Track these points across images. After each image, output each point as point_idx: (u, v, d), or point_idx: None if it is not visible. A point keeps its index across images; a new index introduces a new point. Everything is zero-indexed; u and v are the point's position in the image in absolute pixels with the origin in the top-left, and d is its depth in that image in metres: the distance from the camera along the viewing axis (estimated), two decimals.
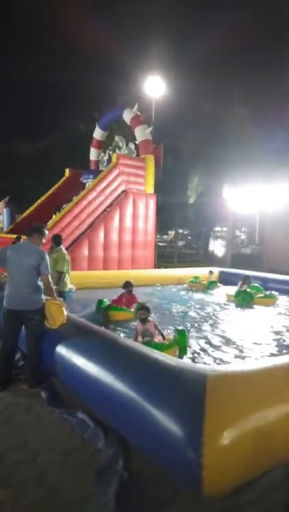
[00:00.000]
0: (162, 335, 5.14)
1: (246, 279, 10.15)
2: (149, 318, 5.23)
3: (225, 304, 9.35)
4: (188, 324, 6.97)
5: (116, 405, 2.81)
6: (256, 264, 17.47)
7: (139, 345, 3.33)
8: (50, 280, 4.00)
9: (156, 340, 4.92)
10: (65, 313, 4.07)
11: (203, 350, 5.43)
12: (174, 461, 2.30)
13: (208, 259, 26.11)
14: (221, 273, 14.07)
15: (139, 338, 5.07)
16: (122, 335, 5.38)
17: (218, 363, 4.82)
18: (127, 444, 2.70)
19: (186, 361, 3.05)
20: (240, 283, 10.12)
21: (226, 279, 13.59)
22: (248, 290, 9.81)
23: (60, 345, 3.70)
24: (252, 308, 8.96)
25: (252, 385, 2.60)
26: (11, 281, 3.90)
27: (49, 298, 4.04)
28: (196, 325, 6.97)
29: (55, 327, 3.95)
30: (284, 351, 5.48)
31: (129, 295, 7.58)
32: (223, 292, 11.05)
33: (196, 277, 12.18)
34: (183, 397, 2.44)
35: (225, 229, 28.50)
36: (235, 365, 3.04)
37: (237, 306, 9.07)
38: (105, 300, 7.42)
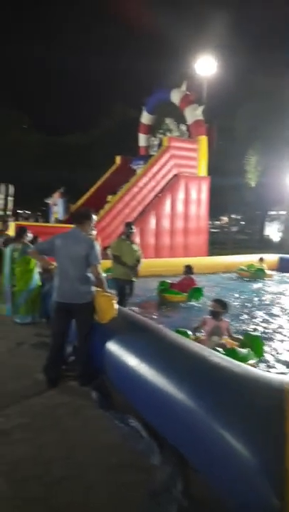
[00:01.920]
0: (234, 340, 4.51)
1: None
2: (223, 317, 4.60)
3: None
4: (255, 320, 6.42)
5: (172, 416, 2.42)
6: None
7: (199, 347, 2.89)
8: (100, 271, 3.70)
9: (226, 343, 4.34)
10: (116, 306, 3.77)
11: (277, 354, 4.76)
12: (243, 494, 1.87)
13: (264, 244, 24.75)
14: (281, 259, 13.18)
15: (203, 335, 4.55)
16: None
17: None
18: (185, 462, 2.32)
19: (257, 369, 2.58)
20: None
21: (286, 267, 12.69)
22: None
23: (110, 341, 3.40)
24: None
25: None
26: (60, 272, 3.66)
27: (99, 290, 3.76)
28: (261, 320, 6.41)
29: (104, 321, 3.67)
30: None
31: (187, 279, 7.88)
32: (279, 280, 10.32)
33: (250, 265, 11.47)
34: (256, 414, 2.00)
35: (282, 212, 26.76)
36: None
37: None
38: (167, 281, 8.18)
